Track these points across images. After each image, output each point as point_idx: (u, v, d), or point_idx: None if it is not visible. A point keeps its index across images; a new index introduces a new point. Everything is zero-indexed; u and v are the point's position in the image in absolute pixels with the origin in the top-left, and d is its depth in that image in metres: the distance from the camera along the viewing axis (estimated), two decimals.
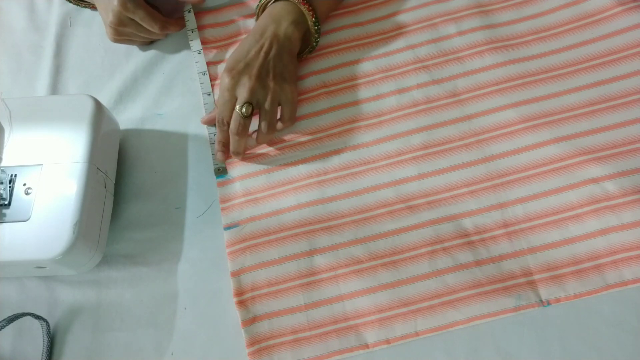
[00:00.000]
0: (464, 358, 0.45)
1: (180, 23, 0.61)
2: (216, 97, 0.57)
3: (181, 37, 0.63)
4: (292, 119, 0.53)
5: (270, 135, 0.52)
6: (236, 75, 0.50)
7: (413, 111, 0.54)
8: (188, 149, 0.57)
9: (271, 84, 0.51)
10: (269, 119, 0.51)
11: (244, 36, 0.61)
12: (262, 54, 0.51)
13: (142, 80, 0.61)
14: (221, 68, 0.60)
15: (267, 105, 0.51)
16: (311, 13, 0.54)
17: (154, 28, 0.57)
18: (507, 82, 0.54)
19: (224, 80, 0.51)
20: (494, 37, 0.57)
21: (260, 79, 0.50)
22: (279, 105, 0.52)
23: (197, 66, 0.60)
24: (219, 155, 0.54)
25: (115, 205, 0.53)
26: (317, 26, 0.55)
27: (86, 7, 0.65)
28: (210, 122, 0.56)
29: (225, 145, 0.53)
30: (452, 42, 0.57)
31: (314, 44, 0.57)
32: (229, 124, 0.52)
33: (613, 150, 0.49)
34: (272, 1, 0.55)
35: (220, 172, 0.54)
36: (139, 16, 0.56)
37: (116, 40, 0.60)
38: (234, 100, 0.51)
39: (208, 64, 0.60)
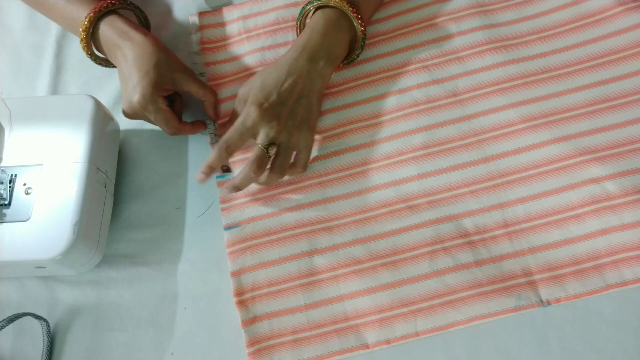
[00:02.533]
0: (464, 358, 0.45)
1: (196, 127, 0.56)
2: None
3: (180, 38, 0.63)
4: (305, 166, 0.51)
5: (279, 178, 0.50)
6: (268, 110, 0.47)
7: (413, 111, 0.54)
8: (188, 149, 0.57)
9: (295, 129, 0.49)
10: (284, 163, 0.49)
11: (243, 36, 0.61)
12: (294, 94, 0.49)
13: None
14: (220, 69, 0.60)
15: (286, 149, 0.49)
16: (360, 22, 0.51)
17: (165, 131, 0.53)
18: (508, 82, 0.54)
19: (251, 112, 0.47)
20: (495, 37, 0.57)
21: (288, 122, 0.48)
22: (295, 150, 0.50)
23: (194, 67, 0.60)
24: (200, 176, 0.49)
25: (115, 205, 0.53)
26: (363, 42, 0.53)
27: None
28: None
29: (211, 169, 0.49)
30: (452, 42, 0.57)
31: (355, 57, 0.55)
32: (232, 153, 0.49)
33: (613, 150, 0.49)
34: (316, 8, 0.52)
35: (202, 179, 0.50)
36: (154, 118, 0.51)
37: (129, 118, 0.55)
38: (252, 133, 0.48)
39: (206, 64, 0.60)
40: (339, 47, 0.52)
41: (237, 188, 0.50)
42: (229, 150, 0.48)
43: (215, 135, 0.56)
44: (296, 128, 0.49)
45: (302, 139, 0.50)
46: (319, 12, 0.52)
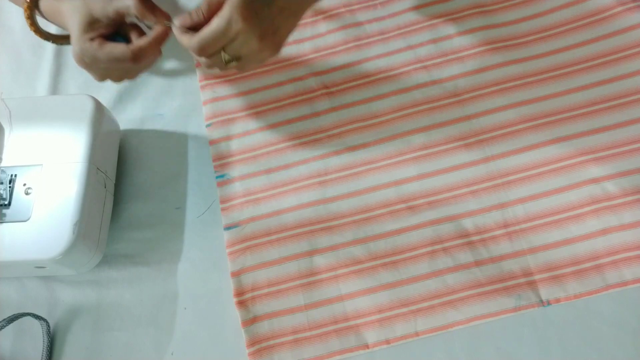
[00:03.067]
0: (464, 358, 0.45)
1: (158, 39, 0.50)
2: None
3: None
4: (244, 69, 0.48)
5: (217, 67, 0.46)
6: (253, 26, 0.42)
7: (413, 111, 0.54)
8: (188, 149, 0.57)
9: (265, 46, 0.44)
10: (245, 68, 0.46)
11: None
12: (285, 11, 0.44)
13: (142, 80, 0.61)
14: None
15: (251, 59, 0.45)
16: None
17: (130, 66, 0.48)
18: (508, 82, 0.54)
19: (236, 21, 0.41)
20: (495, 37, 0.57)
21: (267, 41, 0.44)
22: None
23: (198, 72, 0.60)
24: (183, 39, 0.45)
25: (115, 205, 0.53)
26: None
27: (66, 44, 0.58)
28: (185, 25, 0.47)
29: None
30: (452, 42, 0.57)
31: None
32: (210, 54, 0.45)
33: (613, 150, 0.49)
34: None
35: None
36: (103, 59, 0.47)
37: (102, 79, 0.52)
38: (227, 40, 0.43)
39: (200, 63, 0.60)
40: None
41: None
42: (201, 54, 0.45)
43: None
44: (267, 44, 0.44)
45: (265, 54, 0.45)
46: None
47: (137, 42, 0.49)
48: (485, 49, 0.56)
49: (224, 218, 0.52)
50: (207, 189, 0.54)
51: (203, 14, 0.45)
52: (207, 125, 0.57)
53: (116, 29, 0.50)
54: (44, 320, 0.48)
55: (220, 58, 0.44)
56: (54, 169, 0.47)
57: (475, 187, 0.50)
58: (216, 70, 0.47)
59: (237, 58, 0.45)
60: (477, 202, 0.50)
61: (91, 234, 0.47)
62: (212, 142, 0.56)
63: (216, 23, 0.42)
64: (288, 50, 0.60)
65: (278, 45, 0.46)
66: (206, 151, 0.56)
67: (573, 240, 0.47)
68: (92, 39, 0.48)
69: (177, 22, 0.46)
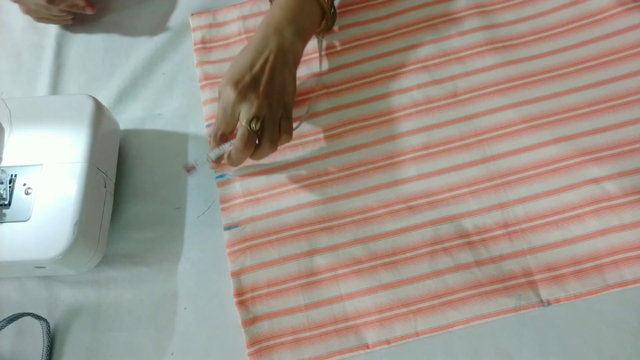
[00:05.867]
0: (464, 358, 0.45)
1: None
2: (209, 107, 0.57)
3: (181, 37, 0.63)
4: (290, 132, 0.51)
5: (272, 151, 0.50)
6: (243, 90, 0.47)
7: (413, 111, 0.54)
8: (188, 149, 0.57)
9: (274, 101, 0.49)
10: (272, 136, 0.49)
11: (243, 36, 0.61)
12: (267, 68, 0.49)
13: (142, 80, 0.61)
14: (214, 68, 0.60)
15: (270, 122, 0.48)
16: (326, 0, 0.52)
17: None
18: (508, 83, 0.54)
19: (228, 94, 0.48)
20: (494, 38, 0.57)
21: (267, 95, 0.48)
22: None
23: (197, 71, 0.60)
24: (214, 165, 0.53)
25: (115, 205, 0.53)
26: (333, 9, 0.53)
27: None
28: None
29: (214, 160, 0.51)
30: (452, 42, 0.57)
31: (330, 26, 0.56)
32: (226, 139, 0.50)
33: (613, 151, 0.49)
34: None
35: (191, 168, 0.51)
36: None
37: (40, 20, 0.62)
38: (236, 115, 0.48)
39: (200, 63, 0.60)
40: (307, 18, 0.52)
41: (234, 164, 0.51)
42: (222, 137, 0.50)
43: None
44: (275, 100, 0.49)
45: (282, 109, 0.49)
46: None
47: None
48: (485, 49, 0.56)
49: (224, 218, 0.52)
50: (207, 189, 0.54)
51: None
52: (207, 126, 0.57)
53: None
54: (44, 320, 0.48)
55: (245, 131, 0.47)
56: (54, 169, 0.47)
57: (475, 187, 0.50)
58: (263, 152, 0.50)
59: (255, 120, 0.47)
60: (477, 202, 0.50)
61: (91, 234, 0.47)
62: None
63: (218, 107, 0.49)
64: None
65: (282, 96, 0.50)
66: (206, 151, 0.56)
67: (573, 240, 0.47)
68: None
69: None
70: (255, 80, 0.48)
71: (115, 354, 0.48)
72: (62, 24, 0.64)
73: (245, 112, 0.47)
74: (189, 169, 0.51)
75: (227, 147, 0.49)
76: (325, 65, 0.58)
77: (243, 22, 0.62)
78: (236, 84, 0.48)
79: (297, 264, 0.49)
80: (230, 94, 0.48)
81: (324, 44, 0.58)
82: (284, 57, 0.50)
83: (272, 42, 0.50)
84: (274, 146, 0.49)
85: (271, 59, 0.49)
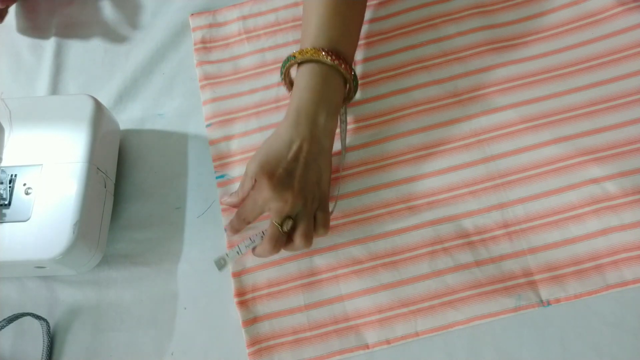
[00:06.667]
0: (464, 358, 0.45)
1: None
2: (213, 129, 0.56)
3: (181, 37, 0.63)
4: (326, 226, 0.47)
5: (307, 247, 0.47)
6: (278, 185, 0.44)
7: (413, 111, 0.54)
8: (188, 149, 0.57)
9: (309, 194, 0.46)
10: (307, 231, 0.46)
11: (243, 36, 0.61)
12: (302, 160, 0.45)
13: (142, 80, 0.61)
14: (214, 68, 0.60)
15: (304, 217, 0.46)
16: (344, 66, 0.47)
17: None
18: (508, 83, 0.54)
19: (262, 186, 0.45)
20: (494, 38, 0.57)
21: (301, 190, 0.45)
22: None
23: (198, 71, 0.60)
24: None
25: (115, 205, 0.53)
26: (355, 82, 0.49)
27: None
28: (230, 205, 0.51)
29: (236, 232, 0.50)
30: (452, 42, 0.57)
31: (352, 96, 0.51)
32: (248, 224, 0.48)
33: (613, 151, 0.49)
34: (298, 63, 0.48)
35: (222, 264, 0.48)
36: None
37: None
38: (264, 209, 0.46)
39: (200, 63, 0.60)
40: (334, 93, 0.48)
41: (260, 257, 0.48)
42: (245, 223, 0.48)
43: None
44: (310, 193, 0.46)
45: (317, 202, 0.47)
46: (302, 68, 0.48)
47: None
48: (485, 49, 0.56)
49: (224, 218, 0.52)
50: (207, 189, 0.54)
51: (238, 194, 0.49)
52: (207, 125, 0.57)
53: None
54: (44, 320, 0.48)
55: (276, 231, 0.45)
56: (54, 169, 0.47)
57: (475, 187, 0.50)
58: (296, 248, 0.47)
59: (287, 220, 0.45)
60: (477, 202, 0.50)
61: (91, 234, 0.47)
62: (212, 142, 0.56)
63: (243, 188, 0.48)
64: (288, 51, 0.60)
65: (319, 185, 0.47)
66: (206, 151, 0.56)
67: (573, 240, 0.47)
68: None
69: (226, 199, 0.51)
70: (289, 173, 0.45)
71: (115, 354, 0.48)
72: None
73: (277, 210, 0.45)
74: (221, 266, 0.48)
75: (257, 240, 0.47)
76: (350, 140, 0.54)
77: (243, 22, 0.62)
78: (271, 175, 0.44)
79: (297, 264, 0.49)
80: (263, 186, 0.44)
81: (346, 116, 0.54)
82: (320, 144, 0.47)
83: (305, 130, 0.46)
84: (308, 242, 0.46)
85: (305, 147, 0.46)
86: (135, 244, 0.53)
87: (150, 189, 0.55)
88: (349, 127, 0.55)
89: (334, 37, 0.48)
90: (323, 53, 0.47)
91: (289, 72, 0.51)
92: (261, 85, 0.58)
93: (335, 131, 0.49)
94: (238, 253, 0.48)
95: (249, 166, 0.47)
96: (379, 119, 0.55)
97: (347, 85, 0.50)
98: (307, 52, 0.47)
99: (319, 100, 0.47)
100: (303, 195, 0.45)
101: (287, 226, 0.45)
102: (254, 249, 0.48)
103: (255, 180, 0.46)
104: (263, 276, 0.49)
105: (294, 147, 0.46)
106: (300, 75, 0.48)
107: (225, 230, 0.51)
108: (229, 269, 0.50)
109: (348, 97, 0.51)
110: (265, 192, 0.45)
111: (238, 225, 0.49)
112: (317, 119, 0.47)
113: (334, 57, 0.47)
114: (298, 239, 0.46)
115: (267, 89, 0.58)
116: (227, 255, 0.48)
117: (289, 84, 0.51)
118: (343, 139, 0.53)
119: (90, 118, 0.49)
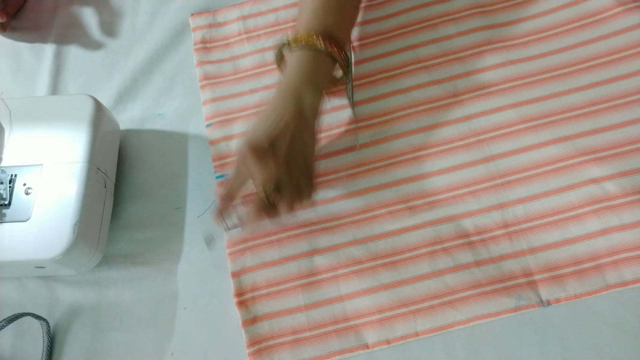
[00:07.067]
0: (464, 358, 0.45)
1: None
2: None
3: (181, 37, 0.63)
4: (310, 193, 0.48)
5: (290, 215, 0.48)
6: (261, 155, 0.45)
7: (413, 111, 0.54)
8: (188, 149, 0.57)
9: (294, 166, 0.46)
10: (290, 201, 0.47)
11: (243, 36, 0.61)
12: (287, 133, 0.46)
13: (142, 80, 0.61)
14: (214, 68, 0.60)
15: (289, 187, 0.46)
16: (341, 54, 0.48)
17: None
18: (508, 83, 0.54)
19: (246, 158, 0.45)
20: (494, 38, 0.57)
21: (285, 162, 0.46)
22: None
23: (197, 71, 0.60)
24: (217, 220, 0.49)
25: (115, 205, 0.53)
26: (350, 65, 0.50)
27: None
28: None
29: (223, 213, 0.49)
30: (452, 42, 0.57)
31: (347, 82, 0.52)
32: (234, 198, 0.48)
33: (613, 151, 0.49)
34: (290, 48, 0.49)
35: (211, 240, 0.49)
36: None
37: None
38: (249, 178, 0.47)
39: (200, 63, 0.60)
40: (322, 73, 0.49)
41: (249, 228, 0.49)
42: (231, 197, 0.48)
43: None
44: (295, 164, 0.46)
45: (302, 175, 0.47)
46: (294, 53, 0.49)
47: None
48: (485, 49, 0.56)
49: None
50: (207, 189, 0.54)
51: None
52: (207, 125, 0.57)
53: None
54: (44, 320, 0.48)
55: (261, 199, 0.45)
56: (54, 169, 0.47)
57: (475, 188, 0.50)
58: (260, 220, 0.47)
59: (272, 189, 0.45)
60: (477, 202, 0.50)
61: (91, 234, 0.47)
62: (212, 142, 0.56)
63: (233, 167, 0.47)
64: None
65: (303, 157, 0.47)
66: (206, 151, 0.56)
67: (573, 240, 0.47)
68: None
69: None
70: (273, 145, 0.45)
71: (115, 354, 0.48)
72: None
73: (261, 177, 0.45)
74: (210, 242, 0.49)
75: (244, 214, 0.48)
76: (350, 140, 0.55)
77: (243, 22, 0.62)
78: (255, 147, 0.45)
79: (297, 264, 0.49)
80: (247, 156, 0.45)
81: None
82: (305, 120, 0.48)
83: (292, 108, 0.47)
84: (290, 209, 0.47)
85: (291, 123, 0.47)
86: (135, 243, 0.53)
87: (150, 189, 0.55)
88: (350, 127, 0.55)
89: (328, 21, 0.49)
90: (315, 37, 0.48)
91: (283, 56, 0.51)
92: (261, 85, 0.58)
93: (320, 107, 0.50)
94: (225, 230, 0.48)
95: (238, 145, 0.47)
96: (379, 119, 0.55)
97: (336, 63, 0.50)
98: (301, 37, 0.48)
99: (306, 80, 0.48)
100: (287, 165, 0.46)
101: (271, 194, 0.45)
102: (243, 222, 0.48)
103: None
104: (262, 276, 0.49)
105: (280, 123, 0.46)
106: (292, 58, 0.49)
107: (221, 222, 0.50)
108: (223, 246, 0.50)
109: (341, 81, 0.52)
110: (249, 163, 0.45)
111: (226, 199, 0.48)
112: (304, 99, 0.48)
113: (326, 42, 0.48)
114: (282, 208, 0.46)
115: (267, 89, 0.58)
116: (214, 231, 0.48)
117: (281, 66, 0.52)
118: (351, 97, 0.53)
119: (90, 118, 0.49)
